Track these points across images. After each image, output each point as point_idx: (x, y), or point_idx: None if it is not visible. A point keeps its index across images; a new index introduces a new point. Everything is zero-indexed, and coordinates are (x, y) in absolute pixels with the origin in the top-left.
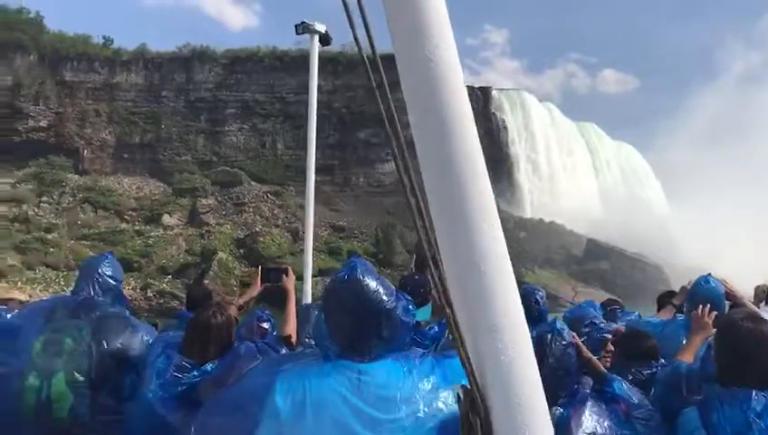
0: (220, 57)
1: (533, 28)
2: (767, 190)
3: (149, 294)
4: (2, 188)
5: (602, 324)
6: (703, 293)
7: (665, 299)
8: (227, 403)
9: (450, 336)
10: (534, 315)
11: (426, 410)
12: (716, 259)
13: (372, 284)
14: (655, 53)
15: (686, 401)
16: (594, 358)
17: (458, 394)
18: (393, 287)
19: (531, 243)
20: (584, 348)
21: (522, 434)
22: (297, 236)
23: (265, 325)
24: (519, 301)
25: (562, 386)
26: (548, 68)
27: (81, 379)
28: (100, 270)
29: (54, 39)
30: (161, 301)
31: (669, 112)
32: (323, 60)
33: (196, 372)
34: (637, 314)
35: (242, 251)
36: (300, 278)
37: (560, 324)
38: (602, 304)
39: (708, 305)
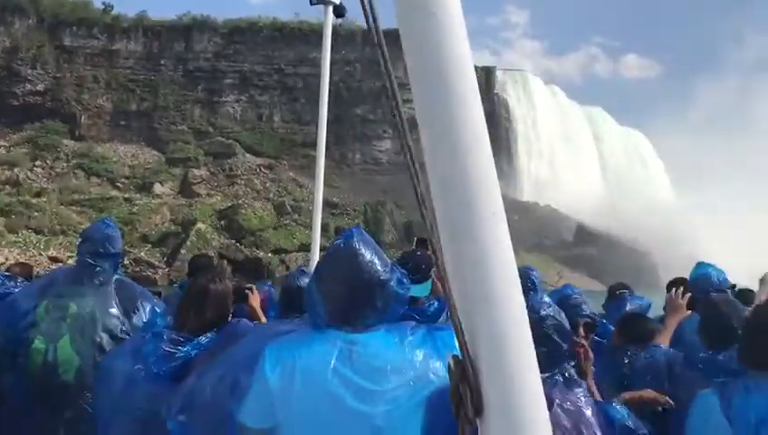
0: (220, 27)
1: (556, 9)
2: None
3: (126, 261)
4: None
5: (584, 307)
6: (694, 279)
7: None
8: (216, 371)
9: (449, 313)
10: (529, 296)
11: (417, 381)
12: (711, 250)
13: (368, 254)
14: (679, 40)
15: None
16: (592, 383)
17: (450, 364)
18: (388, 259)
19: (523, 226)
20: (589, 361)
21: (513, 406)
22: (283, 211)
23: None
24: (516, 273)
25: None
26: (570, 51)
27: (88, 343)
28: (101, 237)
29: (54, 3)
30: (137, 269)
31: (687, 101)
32: (321, 33)
33: (190, 347)
34: (647, 300)
35: (222, 223)
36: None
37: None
38: (610, 287)
39: (682, 288)
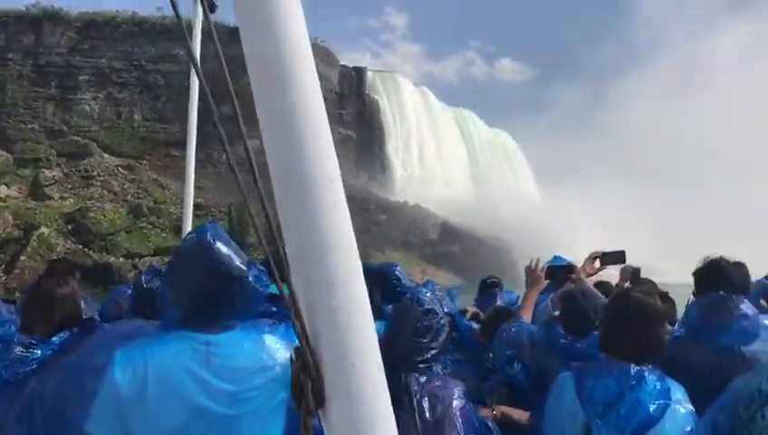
0: (74, 20)
1: (434, 13)
2: (623, 185)
3: None
4: None
5: (443, 305)
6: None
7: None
8: (59, 377)
9: (288, 302)
10: (396, 291)
11: (277, 380)
12: (574, 243)
13: (224, 249)
14: (549, 45)
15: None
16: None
17: (291, 356)
18: (245, 255)
19: (390, 225)
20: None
21: (355, 396)
22: (140, 213)
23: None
24: (358, 259)
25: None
26: (448, 55)
27: None
28: None
29: None
30: None
31: (553, 103)
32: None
33: (43, 349)
34: (515, 293)
35: (70, 227)
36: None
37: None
38: (482, 281)
39: (539, 258)
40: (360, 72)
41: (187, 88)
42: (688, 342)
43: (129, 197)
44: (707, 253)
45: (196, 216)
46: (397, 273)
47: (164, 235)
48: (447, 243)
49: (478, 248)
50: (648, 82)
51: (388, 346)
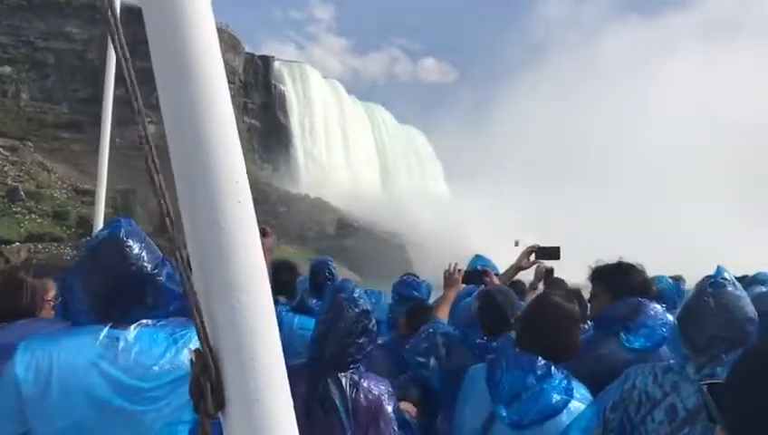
0: None
1: (359, 7)
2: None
3: None
4: None
5: None
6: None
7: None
8: None
9: (189, 303)
10: (328, 287)
11: (186, 377)
12: (479, 241)
13: (136, 245)
14: (474, 46)
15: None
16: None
17: (191, 358)
18: (159, 252)
19: (289, 218)
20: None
21: (256, 398)
22: (16, 197)
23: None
24: (262, 261)
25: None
26: (373, 50)
27: None
28: None
29: None
30: None
31: (466, 104)
32: (77, 6)
33: None
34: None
35: None
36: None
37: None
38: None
39: (457, 262)
40: (266, 62)
41: (78, 68)
42: (604, 340)
43: (8, 180)
44: (605, 254)
45: (81, 202)
46: (330, 268)
47: (40, 220)
48: (343, 237)
49: (374, 244)
50: (542, 81)
51: (321, 345)
